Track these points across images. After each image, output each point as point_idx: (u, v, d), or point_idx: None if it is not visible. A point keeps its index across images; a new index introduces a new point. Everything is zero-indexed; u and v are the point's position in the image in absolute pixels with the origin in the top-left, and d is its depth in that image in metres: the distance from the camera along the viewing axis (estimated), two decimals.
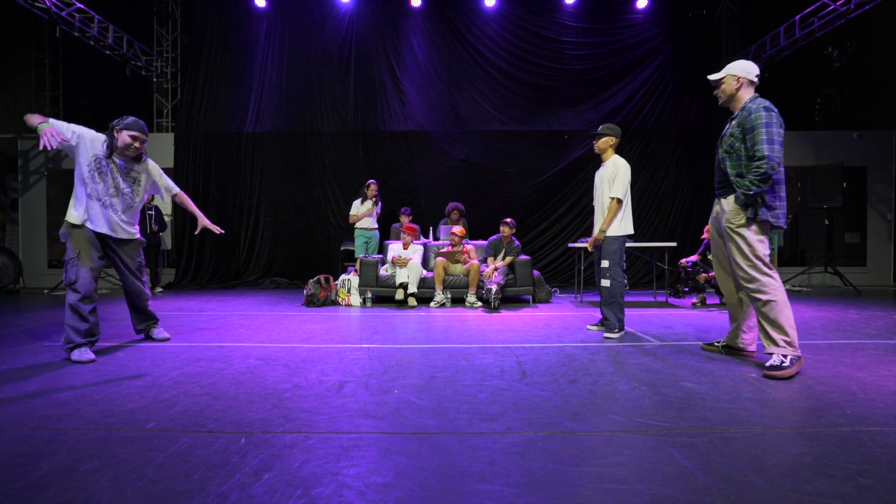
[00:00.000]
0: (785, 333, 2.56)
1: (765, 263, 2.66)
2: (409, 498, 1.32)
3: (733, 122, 2.76)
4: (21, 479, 1.42)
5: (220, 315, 4.79)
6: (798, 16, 6.89)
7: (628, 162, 3.77)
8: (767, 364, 2.57)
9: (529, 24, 8.27)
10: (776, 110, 2.64)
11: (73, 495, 1.33)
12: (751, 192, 2.60)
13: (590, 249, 3.98)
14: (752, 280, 2.65)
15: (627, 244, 5.65)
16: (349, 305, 5.70)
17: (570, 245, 6.09)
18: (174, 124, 8.61)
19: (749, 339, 2.98)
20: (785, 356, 2.54)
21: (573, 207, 8.17)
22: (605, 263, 3.72)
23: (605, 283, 3.71)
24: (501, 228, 5.78)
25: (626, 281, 6.87)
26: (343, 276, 5.92)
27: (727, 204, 2.77)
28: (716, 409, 2.01)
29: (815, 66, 9.22)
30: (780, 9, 7.81)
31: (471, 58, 8.25)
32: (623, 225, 3.72)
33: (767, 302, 2.60)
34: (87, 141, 3.00)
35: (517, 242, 5.87)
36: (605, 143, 3.83)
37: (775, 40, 7.42)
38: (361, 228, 6.66)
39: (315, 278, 5.77)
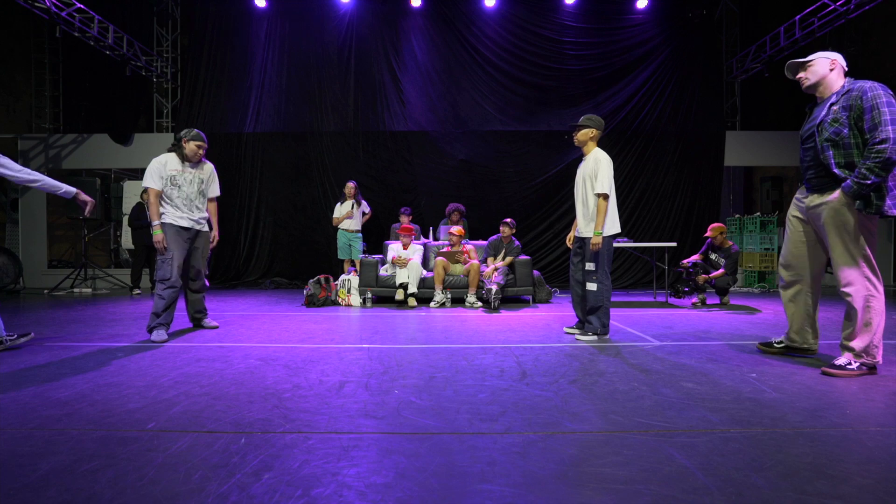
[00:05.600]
0: (865, 341, 2.50)
1: (869, 265, 2.51)
2: (409, 498, 1.32)
3: (833, 108, 2.51)
4: (21, 479, 1.42)
5: (220, 315, 4.79)
6: (798, 16, 6.88)
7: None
8: (834, 362, 2.58)
9: (529, 24, 8.27)
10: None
11: (73, 495, 1.33)
12: (868, 182, 2.35)
13: (568, 244, 3.85)
14: (850, 284, 2.53)
15: (627, 244, 5.71)
16: (349, 305, 5.70)
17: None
18: (174, 124, 8.60)
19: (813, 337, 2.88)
20: (852, 361, 2.51)
21: (573, 207, 8.11)
22: (591, 266, 3.50)
23: (592, 286, 3.48)
24: (501, 228, 5.78)
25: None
26: (343, 277, 5.93)
27: (830, 197, 2.53)
28: (716, 409, 2.01)
29: None
30: (780, 9, 7.79)
31: (471, 58, 8.25)
32: (611, 224, 3.51)
33: (867, 307, 2.50)
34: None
35: (517, 242, 5.87)
36: (584, 135, 3.59)
37: (775, 40, 7.42)
38: (343, 230, 6.71)
39: (315, 278, 5.77)
